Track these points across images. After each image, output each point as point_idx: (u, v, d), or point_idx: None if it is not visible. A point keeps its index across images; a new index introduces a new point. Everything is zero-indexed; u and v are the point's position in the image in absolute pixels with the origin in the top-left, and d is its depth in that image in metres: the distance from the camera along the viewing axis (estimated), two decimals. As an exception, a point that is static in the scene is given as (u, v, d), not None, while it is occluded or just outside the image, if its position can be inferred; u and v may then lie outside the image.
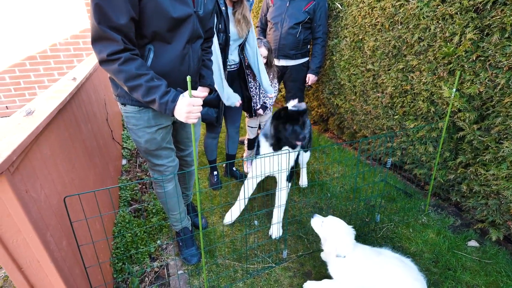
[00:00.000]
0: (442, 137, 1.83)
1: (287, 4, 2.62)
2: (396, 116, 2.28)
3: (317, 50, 2.77)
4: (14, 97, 3.99)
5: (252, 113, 2.46)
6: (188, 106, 1.09)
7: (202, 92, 1.53)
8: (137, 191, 2.38)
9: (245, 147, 2.82)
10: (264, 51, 2.29)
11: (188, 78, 1.03)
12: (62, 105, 1.32)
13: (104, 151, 2.09)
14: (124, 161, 2.84)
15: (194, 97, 1.12)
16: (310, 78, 2.87)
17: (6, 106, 3.98)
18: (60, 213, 1.10)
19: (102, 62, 1.04)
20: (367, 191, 2.33)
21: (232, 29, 1.93)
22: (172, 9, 1.07)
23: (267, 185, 2.50)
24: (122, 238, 1.78)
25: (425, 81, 1.96)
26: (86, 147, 1.63)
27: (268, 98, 2.43)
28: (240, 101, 2.07)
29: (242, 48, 2.09)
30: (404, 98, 2.17)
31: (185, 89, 1.32)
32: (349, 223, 1.45)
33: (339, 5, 2.68)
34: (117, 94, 1.27)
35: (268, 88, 2.26)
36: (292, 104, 2.16)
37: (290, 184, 1.92)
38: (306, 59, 2.86)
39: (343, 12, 2.65)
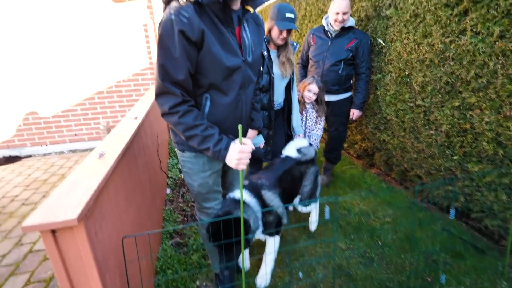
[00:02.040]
0: (516, 185, 1.59)
1: (329, 43, 2.63)
2: (456, 157, 2.06)
3: (361, 85, 2.70)
4: (82, 125, 4.65)
5: None
6: (239, 153, 1.16)
7: (252, 134, 1.60)
8: (179, 223, 2.43)
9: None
10: (315, 88, 2.31)
11: (240, 127, 1.09)
12: (126, 146, 1.47)
13: (153, 182, 2.22)
14: (168, 190, 2.99)
15: (245, 143, 1.17)
16: (355, 113, 2.79)
17: (75, 134, 4.64)
18: (116, 251, 1.16)
19: (164, 114, 1.18)
20: (426, 242, 2.07)
21: (276, 70, 1.99)
22: (226, 60, 1.17)
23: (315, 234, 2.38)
24: (163, 275, 1.82)
25: (487, 120, 1.76)
26: (140, 181, 1.75)
27: (313, 139, 2.40)
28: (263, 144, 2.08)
29: (287, 87, 2.14)
30: (464, 138, 1.96)
31: (237, 135, 1.38)
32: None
33: (381, 41, 2.62)
34: (176, 141, 1.40)
35: (297, 128, 2.28)
36: (299, 145, 2.01)
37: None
38: (348, 93, 2.80)
39: (386, 48, 2.58)
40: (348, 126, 3.34)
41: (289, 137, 2.31)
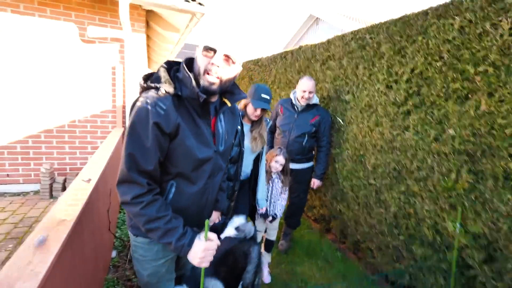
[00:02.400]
0: (453, 273, 1.77)
1: (295, 116, 2.87)
2: (402, 237, 2.25)
3: (322, 157, 2.93)
4: (19, 165, 4.04)
5: (254, 219, 2.49)
6: (203, 252, 1.08)
7: (215, 216, 1.56)
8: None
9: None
10: (282, 160, 2.44)
11: (206, 222, 1.05)
12: (74, 224, 1.28)
13: (98, 249, 1.96)
14: (113, 253, 2.64)
15: (210, 239, 1.11)
16: (315, 183, 2.97)
17: (7, 174, 4.00)
18: None
19: (124, 203, 1.08)
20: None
21: (247, 144, 2.07)
22: (198, 151, 1.14)
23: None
24: None
25: (427, 209, 1.99)
26: (84, 257, 1.53)
27: (278, 210, 2.47)
28: (219, 219, 1.98)
29: (256, 160, 2.22)
30: (409, 221, 2.18)
31: (201, 224, 1.32)
32: None
33: (340, 121, 2.93)
34: (131, 225, 1.28)
35: (261, 201, 2.34)
36: (236, 223, 1.89)
37: None
38: (310, 163, 3.00)
39: (344, 127, 2.88)
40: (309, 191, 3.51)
41: (254, 208, 2.34)
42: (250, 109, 2.04)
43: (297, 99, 2.86)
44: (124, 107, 4.38)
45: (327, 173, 3.16)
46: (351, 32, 2.83)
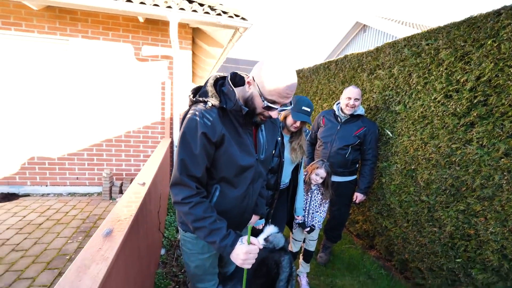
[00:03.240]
0: (524, 306, 1.57)
1: (338, 128, 2.79)
2: (459, 260, 2.05)
3: (366, 171, 2.80)
4: (85, 170, 4.62)
5: (293, 228, 2.46)
6: (245, 254, 1.15)
7: (254, 219, 1.61)
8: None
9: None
10: (322, 173, 2.39)
11: (249, 227, 1.11)
12: (133, 222, 1.42)
13: (150, 247, 2.11)
14: (162, 251, 2.84)
15: (252, 244, 1.17)
16: (358, 197, 2.84)
17: (77, 177, 4.61)
18: None
19: (176, 203, 1.21)
20: None
21: (287, 155, 2.06)
22: (240, 159, 1.24)
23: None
24: None
25: (493, 230, 1.81)
26: (139, 253, 1.67)
27: (316, 221, 2.41)
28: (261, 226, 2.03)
29: (295, 170, 2.20)
30: (468, 243, 1.99)
31: (242, 226, 1.43)
32: None
33: (389, 133, 2.80)
34: (181, 221, 1.41)
35: (299, 209, 2.32)
36: (267, 233, 1.76)
37: None
38: (353, 177, 2.88)
39: (393, 140, 2.75)
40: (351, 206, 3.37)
41: (292, 216, 2.32)
42: (289, 120, 2.03)
43: (341, 109, 2.78)
44: (171, 119, 4.70)
45: (372, 187, 3.02)
46: (404, 39, 2.71)
